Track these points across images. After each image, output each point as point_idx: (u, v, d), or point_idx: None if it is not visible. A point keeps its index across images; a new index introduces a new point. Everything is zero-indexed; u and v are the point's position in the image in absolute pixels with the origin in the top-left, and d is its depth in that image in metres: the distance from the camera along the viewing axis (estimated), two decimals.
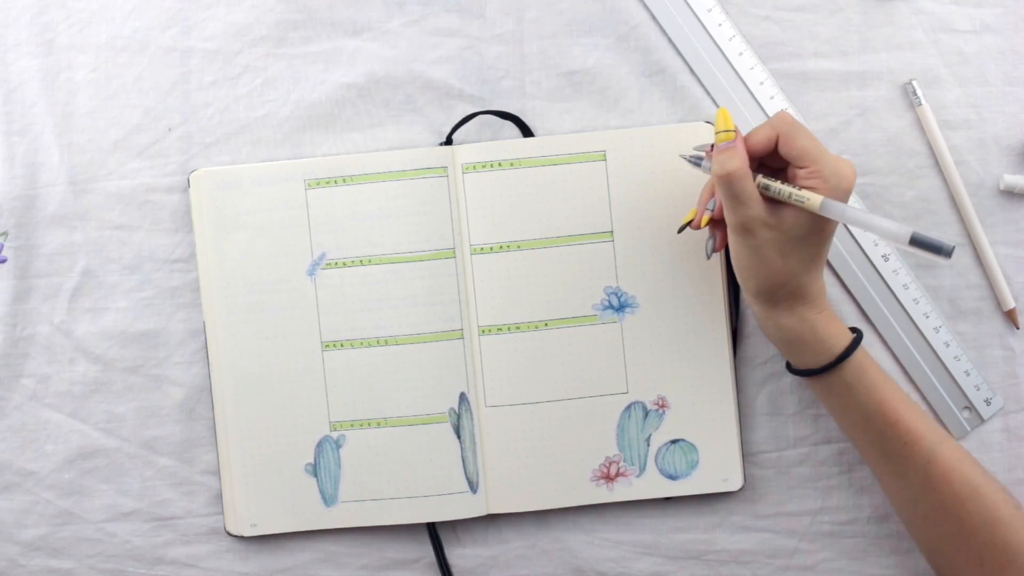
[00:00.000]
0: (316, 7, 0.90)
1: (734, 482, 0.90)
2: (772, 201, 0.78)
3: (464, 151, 0.89)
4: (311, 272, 0.89)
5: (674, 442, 0.90)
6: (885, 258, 0.89)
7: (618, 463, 0.90)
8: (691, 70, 0.90)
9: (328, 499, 0.90)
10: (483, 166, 0.88)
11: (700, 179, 0.87)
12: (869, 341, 0.90)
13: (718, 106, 0.89)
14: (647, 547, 0.91)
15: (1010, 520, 0.78)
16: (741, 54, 0.89)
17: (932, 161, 0.90)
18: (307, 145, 0.90)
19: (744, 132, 0.81)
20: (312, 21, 0.90)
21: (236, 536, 0.90)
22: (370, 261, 0.89)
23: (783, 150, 0.79)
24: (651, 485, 0.90)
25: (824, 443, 0.91)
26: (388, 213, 0.88)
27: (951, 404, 0.90)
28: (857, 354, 0.81)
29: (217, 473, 0.91)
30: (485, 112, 0.90)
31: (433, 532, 0.90)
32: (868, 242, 0.89)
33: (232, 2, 0.90)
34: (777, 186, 0.78)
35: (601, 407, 0.89)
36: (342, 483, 0.90)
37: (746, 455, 0.90)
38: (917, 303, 0.90)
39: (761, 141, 0.79)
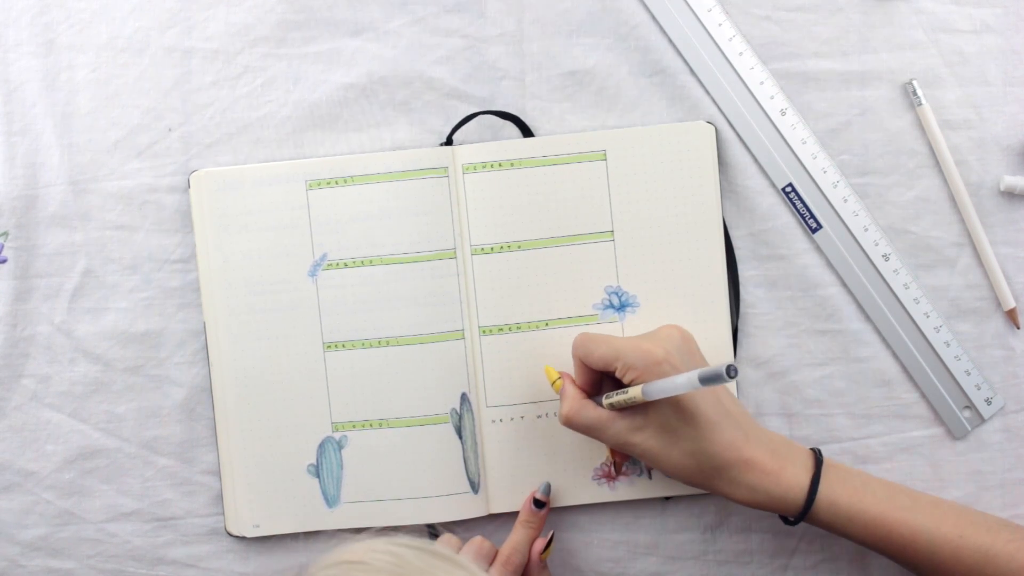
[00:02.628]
0: (316, 7, 0.90)
1: None
2: (632, 408, 0.80)
3: (464, 151, 0.89)
4: (312, 273, 0.89)
5: None
6: (886, 258, 0.89)
7: (619, 463, 0.90)
8: (691, 70, 0.90)
9: (330, 500, 0.90)
10: (484, 166, 0.88)
11: (697, 181, 0.88)
12: (870, 340, 0.90)
13: (718, 106, 0.89)
14: (647, 547, 0.91)
15: None
16: (741, 54, 0.89)
17: (932, 161, 0.90)
18: (308, 145, 0.90)
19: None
20: (312, 21, 0.90)
21: (237, 536, 0.90)
22: (371, 262, 0.88)
23: (592, 366, 0.83)
24: (653, 484, 0.90)
25: (825, 443, 0.91)
26: (389, 213, 0.88)
27: (952, 404, 0.90)
28: (822, 492, 0.80)
29: (217, 473, 0.91)
30: (485, 112, 0.90)
31: (434, 532, 0.90)
32: (868, 242, 0.89)
33: (232, 2, 0.90)
34: (613, 399, 0.81)
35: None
36: (344, 484, 0.89)
37: None
38: (918, 303, 0.90)
39: (579, 373, 0.84)
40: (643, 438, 0.80)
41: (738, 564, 0.91)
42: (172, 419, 0.91)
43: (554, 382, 0.86)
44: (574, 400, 0.83)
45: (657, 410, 0.79)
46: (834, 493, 0.80)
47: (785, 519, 0.83)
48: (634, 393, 0.78)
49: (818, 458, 0.82)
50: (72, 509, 0.91)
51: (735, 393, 0.90)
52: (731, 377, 0.70)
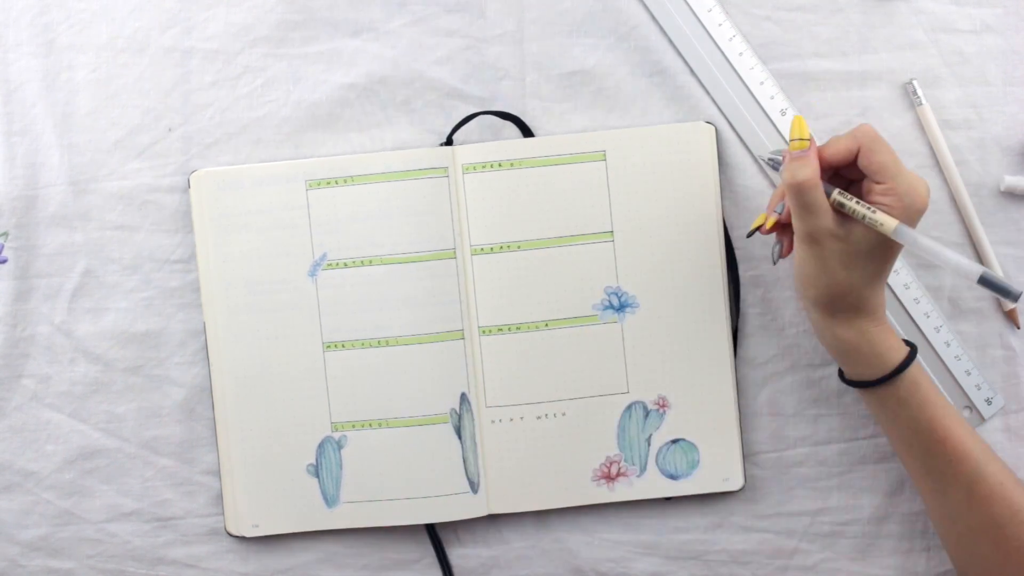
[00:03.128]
0: (316, 7, 0.90)
1: (735, 482, 0.90)
2: (842, 214, 0.78)
3: (464, 151, 0.89)
4: (312, 273, 0.89)
5: (675, 442, 0.90)
6: None
7: (619, 463, 0.90)
8: (691, 70, 0.90)
9: (330, 500, 0.90)
10: (483, 166, 0.88)
11: (697, 181, 0.88)
12: None
13: (718, 106, 0.89)
14: (647, 547, 0.91)
15: None
16: (741, 54, 0.89)
17: (932, 161, 0.90)
18: (307, 145, 0.90)
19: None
20: (312, 21, 0.90)
21: (236, 536, 0.90)
22: (371, 261, 0.88)
23: (862, 163, 0.78)
24: (652, 485, 0.90)
25: (824, 443, 0.91)
26: (389, 213, 0.88)
27: (952, 403, 0.90)
28: (912, 369, 0.81)
29: (217, 473, 0.91)
30: (485, 112, 0.90)
31: (434, 532, 0.90)
32: None
33: (232, 2, 0.90)
34: (852, 205, 0.78)
35: (602, 407, 0.89)
36: (343, 484, 0.89)
37: (746, 455, 0.90)
38: (918, 303, 0.90)
39: (840, 152, 0.79)
40: (833, 248, 0.78)
41: (738, 564, 0.91)
42: (172, 419, 0.91)
43: (797, 140, 0.79)
44: (815, 172, 0.78)
45: (867, 235, 0.77)
46: (920, 377, 0.81)
47: (844, 378, 0.84)
48: (886, 223, 0.76)
49: (912, 344, 0.82)
50: (72, 509, 0.91)
51: (735, 391, 0.90)
52: (1014, 301, 0.69)
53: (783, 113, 0.89)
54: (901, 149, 0.89)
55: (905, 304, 0.89)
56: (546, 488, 0.90)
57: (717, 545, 0.91)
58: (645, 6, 0.90)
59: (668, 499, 0.91)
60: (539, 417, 0.89)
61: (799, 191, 0.77)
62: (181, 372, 0.91)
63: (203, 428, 0.91)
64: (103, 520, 0.91)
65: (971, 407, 0.90)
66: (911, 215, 0.77)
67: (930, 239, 0.76)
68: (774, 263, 0.85)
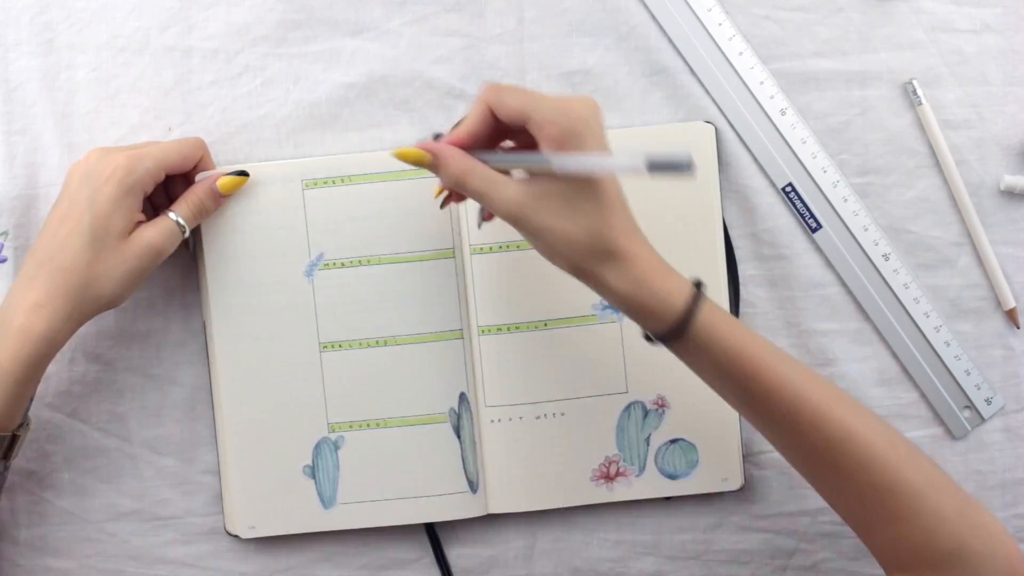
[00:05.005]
0: (316, 7, 0.90)
1: (734, 482, 0.90)
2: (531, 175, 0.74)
3: None
4: (309, 273, 0.88)
5: (674, 442, 0.90)
6: (886, 257, 0.89)
7: (618, 463, 0.90)
8: (691, 70, 0.90)
9: (326, 501, 0.90)
10: None
11: (697, 181, 0.88)
12: (870, 340, 0.90)
13: (718, 106, 0.89)
14: (647, 547, 0.91)
15: (885, 458, 0.75)
16: (741, 54, 0.89)
17: (932, 161, 0.90)
18: (307, 145, 0.90)
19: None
20: (312, 21, 0.90)
21: (236, 536, 0.90)
22: (369, 261, 0.88)
23: (502, 117, 0.74)
24: (651, 485, 0.90)
25: None
26: (386, 213, 0.88)
27: (952, 403, 0.90)
28: (703, 308, 0.74)
29: (217, 473, 0.91)
30: None
31: (433, 532, 0.91)
32: (868, 242, 0.89)
33: (232, 2, 0.90)
34: (505, 162, 0.74)
35: (601, 407, 0.89)
36: (341, 485, 0.89)
37: (746, 455, 0.90)
38: (917, 303, 0.90)
39: (476, 122, 0.75)
40: (540, 208, 0.73)
41: (738, 564, 0.91)
42: (172, 419, 0.91)
43: (418, 161, 0.76)
44: (462, 158, 0.74)
45: (558, 179, 0.72)
46: (713, 315, 0.75)
47: (649, 338, 0.77)
48: (541, 162, 0.71)
49: (698, 282, 0.76)
50: (71, 509, 0.91)
51: None
52: (689, 170, 0.63)
53: (783, 113, 0.89)
54: (901, 149, 0.89)
55: (905, 304, 0.89)
56: (545, 488, 0.90)
57: (716, 545, 0.91)
58: (645, 6, 0.90)
59: (667, 499, 0.91)
60: (538, 417, 0.89)
61: (462, 186, 0.75)
62: (181, 372, 0.91)
63: (203, 428, 0.91)
64: (103, 520, 0.91)
65: (971, 407, 0.90)
66: (576, 135, 0.71)
67: (584, 156, 0.71)
68: (479, 227, 0.82)
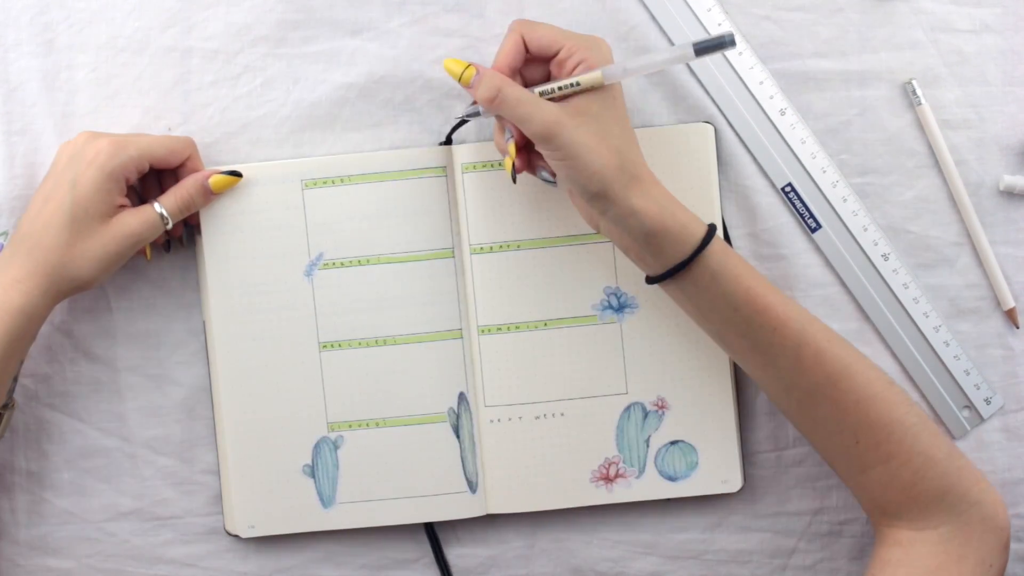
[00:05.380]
0: (316, 7, 0.90)
1: (733, 483, 0.90)
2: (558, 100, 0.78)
3: (463, 151, 0.89)
4: (308, 273, 0.88)
5: (673, 443, 0.90)
6: (885, 257, 0.89)
7: (617, 464, 0.90)
8: (691, 70, 0.90)
9: (326, 500, 0.90)
10: (482, 166, 0.88)
11: (696, 181, 0.88)
12: (869, 339, 0.90)
13: (718, 106, 0.89)
14: (646, 547, 0.91)
15: (883, 395, 0.79)
16: (741, 54, 0.89)
17: (932, 161, 0.90)
18: (307, 145, 0.90)
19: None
20: (312, 21, 0.90)
21: (236, 536, 0.90)
22: (368, 261, 0.88)
23: (532, 47, 0.79)
24: (650, 486, 0.90)
25: None
26: (386, 213, 0.88)
27: (951, 403, 0.90)
28: (716, 242, 0.79)
29: (217, 473, 0.91)
30: None
31: (432, 532, 0.91)
32: (868, 242, 0.89)
33: (232, 2, 0.90)
34: (550, 87, 0.78)
35: (600, 408, 0.89)
36: (340, 484, 0.89)
37: (746, 455, 0.90)
38: (917, 302, 0.90)
39: (509, 52, 0.79)
40: (576, 125, 0.76)
41: (737, 564, 0.91)
42: (172, 418, 0.91)
43: (464, 72, 0.79)
44: (500, 79, 0.78)
45: (590, 101, 0.77)
46: (726, 250, 0.80)
47: (653, 278, 0.81)
48: (589, 78, 0.76)
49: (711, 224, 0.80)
50: (71, 508, 0.91)
51: (735, 392, 0.89)
52: (732, 45, 0.67)
53: (782, 113, 0.89)
54: (901, 149, 0.89)
55: (904, 304, 0.89)
56: (544, 489, 0.89)
57: (716, 545, 0.91)
58: (645, 6, 0.90)
59: (667, 499, 0.91)
60: (538, 417, 0.89)
61: (501, 102, 0.77)
62: (181, 371, 0.91)
63: (203, 427, 0.91)
64: (102, 519, 0.91)
65: (970, 406, 0.90)
66: (607, 57, 0.78)
67: (641, 56, 0.76)
68: (514, 182, 0.83)
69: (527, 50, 0.79)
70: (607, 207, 0.78)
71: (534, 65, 0.81)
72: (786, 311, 0.79)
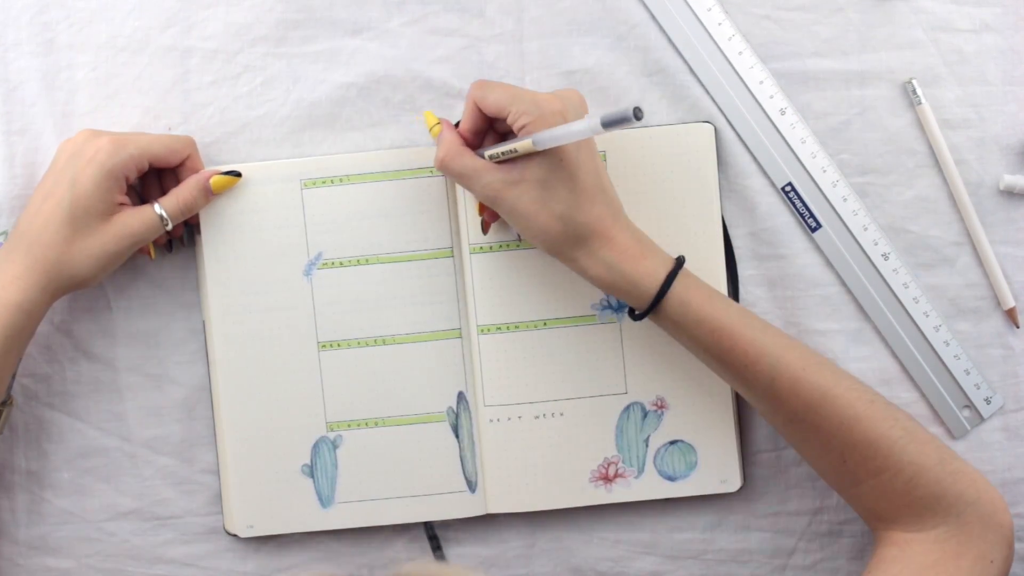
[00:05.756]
0: (316, 7, 0.90)
1: (733, 483, 0.90)
2: (509, 162, 0.79)
3: None
4: (307, 272, 0.88)
5: (673, 443, 0.90)
6: (885, 257, 0.89)
7: (617, 464, 0.90)
8: (691, 70, 0.90)
9: (325, 500, 0.90)
10: None
11: (696, 181, 0.88)
12: (869, 340, 0.90)
13: (718, 106, 0.89)
14: (646, 546, 0.91)
15: (865, 414, 0.79)
16: (741, 53, 0.89)
17: (932, 160, 0.90)
18: (307, 144, 0.90)
19: None
20: (312, 21, 0.90)
21: (235, 535, 0.90)
22: (367, 260, 0.88)
23: (487, 112, 0.80)
24: (650, 486, 0.90)
25: None
26: (385, 213, 0.88)
27: (951, 403, 0.90)
28: (677, 287, 0.80)
29: (217, 473, 0.91)
30: None
31: (431, 532, 0.90)
32: (868, 241, 0.89)
33: (232, 2, 0.90)
34: (496, 150, 0.79)
35: (600, 407, 0.89)
36: (339, 484, 0.89)
37: (745, 455, 0.90)
38: (917, 302, 0.89)
39: (467, 116, 0.82)
40: (516, 193, 0.78)
41: (737, 564, 0.91)
42: (171, 418, 0.91)
43: (433, 127, 0.84)
44: (452, 144, 0.81)
45: (536, 166, 0.78)
46: (688, 293, 0.80)
47: (632, 313, 0.83)
48: (523, 144, 0.76)
49: (679, 260, 0.81)
50: (71, 508, 0.91)
51: (734, 392, 0.89)
52: (637, 119, 0.68)
53: (782, 112, 0.89)
54: (901, 148, 0.89)
55: (904, 304, 0.89)
56: (544, 489, 0.89)
57: (716, 544, 0.91)
58: (645, 6, 0.90)
59: (667, 499, 0.91)
60: (537, 417, 0.89)
61: (444, 168, 0.81)
62: (181, 371, 0.91)
63: (202, 427, 0.91)
64: (102, 519, 0.91)
65: (970, 406, 0.90)
66: (551, 119, 0.77)
67: (558, 127, 0.75)
68: (484, 233, 0.87)
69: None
70: (561, 261, 0.82)
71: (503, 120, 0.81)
72: (756, 347, 0.80)
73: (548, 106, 0.77)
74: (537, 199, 0.78)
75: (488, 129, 0.83)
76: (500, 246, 0.88)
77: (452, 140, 0.81)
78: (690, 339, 0.81)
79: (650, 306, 0.80)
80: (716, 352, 0.80)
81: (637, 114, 0.68)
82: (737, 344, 0.80)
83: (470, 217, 0.88)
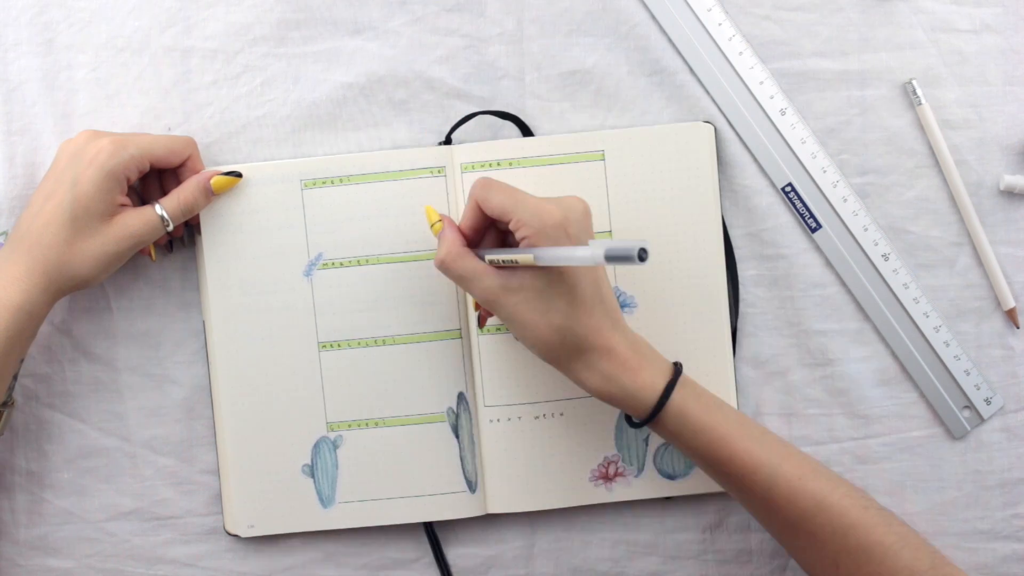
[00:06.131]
0: (316, 7, 0.90)
1: None
2: (508, 268, 0.78)
3: (462, 151, 0.89)
4: (307, 272, 0.89)
5: None
6: (885, 257, 0.89)
7: (616, 463, 0.90)
8: (691, 70, 0.90)
9: (325, 500, 0.90)
10: (482, 166, 0.88)
11: (696, 181, 0.88)
12: (869, 340, 0.90)
13: (718, 105, 0.89)
14: (646, 547, 0.91)
15: (859, 522, 0.78)
16: (741, 53, 0.89)
17: (932, 161, 0.90)
18: (307, 144, 0.90)
19: None
20: (312, 20, 0.90)
21: (235, 536, 0.90)
22: (367, 261, 0.89)
23: (489, 214, 0.80)
24: (650, 485, 0.90)
25: (824, 443, 0.91)
26: (386, 213, 0.88)
27: (951, 403, 0.90)
28: (675, 399, 0.79)
29: (217, 473, 0.91)
30: (485, 112, 0.90)
31: (431, 532, 0.91)
32: (868, 242, 0.89)
33: (232, 2, 0.90)
34: (496, 257, 0.78)
35: (600, 407, 0.89)
36: (339, 484, 0.90)
37: None
38: (917, 303, 0.90)
39: (468, 215, 0.81)
40: (515, 301, 0.77)
41: (737, 564, 0.91)
42: (171, 418, 0.91)
43: (434, 224, 0.83)
44: (453, 245, 0.80)
45: (535, 276, 0.77)
46: (686, 404, 0.79)
47: (630, 420, 0.82)
48: (523, 257, 0.76)
49: (677, 368, 0.81)
50: (71, 508, 0.91)
51: (735, 391, 0.89)
52: (642, 260, 0.68)
53: (783, 112, 0.89)
54: (901, 149, 0.89)
55: (905, 304, 0.89)
56: (544, 488, 0.89)
57: (716, 545, 0.91)
58: (645, 6, 0.90)
59: (667, 499, 0.91)
60: (537, 417, 0.89)
61: (445, 268, 0.80)
62: (181, 371, 0.91)
63: (202, 427, 0.91)
64: (102, 519, 0.91)
65: (970, 407, 0.90)
66: (552, 232, 0.76)
67: (560, 248, 0.75)
68: (480, 328, 0.88)
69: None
70: (557, 370, 0.81)
71: None
72: (754, 456, 0.79)
73: (550, 218, 0.76)
74: (535, 309, 0.77)
75: (489, 226, 0.82)
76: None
77: (454, 240, 0.80)
78: (688, 447, 0.80)
79: (650, 416, 0.79)
80: (714, 461, 0.80)
81: (642, 255, 0.67)
82: (735, 454, 0.79)
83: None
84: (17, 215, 0.89)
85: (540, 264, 0.75)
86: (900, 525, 0.79)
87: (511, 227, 0.78)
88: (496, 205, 0.78)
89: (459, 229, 0.82)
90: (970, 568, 0.91)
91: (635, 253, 0.67)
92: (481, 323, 0.88)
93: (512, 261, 0.77)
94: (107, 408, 0.91)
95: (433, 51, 0.90)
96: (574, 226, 0.77)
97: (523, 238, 0.77)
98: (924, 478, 0.91)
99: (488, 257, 0.79)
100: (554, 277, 0.77)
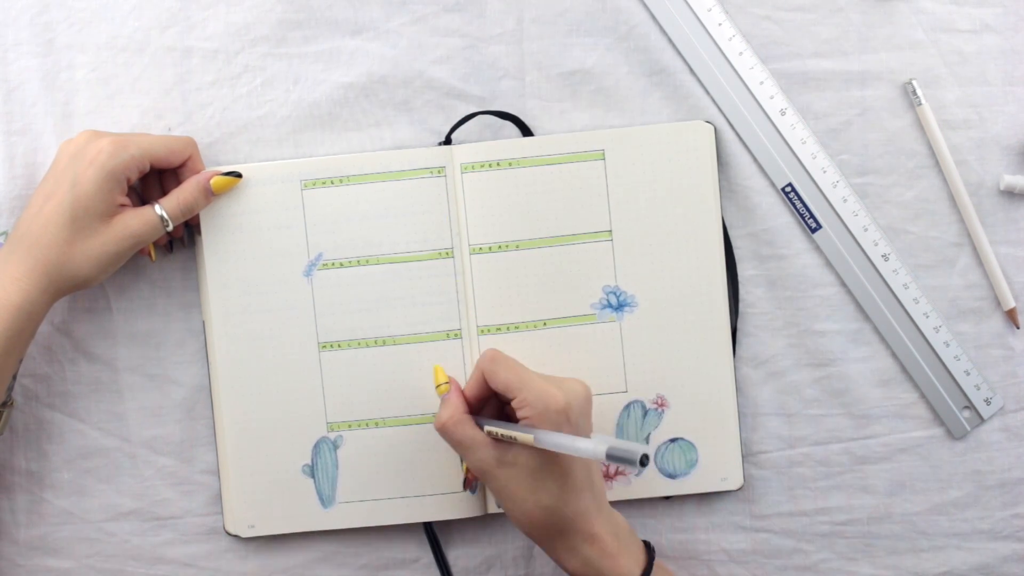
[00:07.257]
0: (316, 7, 0.90)
1: (733, 481, 0.90)
2: (507, 443, 0.79)
3: (463, 151, 0.89)
4: (307, 273, 0.88)
5: (673, 441, 0.90)
6: (885, 257, 0.89)
7: None
8: (691, 70, 0.90)
9: (325, 500, 0.90)
10: (482, 166, 0.88)
11: (696, 181, 0.88)
12: (869, 340, 0.90)
13: (718, 105, 0.89)
14: None
15: None
16: (741, 54, 0.89)
17: (932, 161, 0.90)
18: (307, 145, 0.90)
19: None
20: (312, 21, 0.90)
21: (235, 536, 0.90)
22: (368, 261, 0.88)
23: (492, 387, 0.81)
24: (650, 484, 0.90)
25: (823, 443, 0.91)
26: (386, 213, 0.88)
27: (951, 404, 0.90)
28: None
29: (216, 473, 0.91)
30: (484, 112, 0.90)
31: (432, 532, 0.90)
32: (868, 242, 0.89)
33: (232, 2, 0.90)
34: (497, 431, 0.79)
35: (600, 406, 0.89)
36: (340, 484, 0.89)
37: (746, 455, 0.90)
38: (917, 303, 0.90)
39: (473, 385, 0.82)
40: (507, 475, 0.79)
41: (737, 564, 0.91)
42: (171, 418, 0.91)
43: (440, 385, 0.84)
44: (455, 411, 0.81)
45: (531, 455, 0.78)
46: None
47: None
48: (523, 436, 0.77)
49: (650, 555, 0.82)
50: (71, 508, 0.91)
51: (735, 390, 0.89)
52: (642, 466, 0.69)
53: (783, 113, 0.89)
54: (901, 149, 0.89)
55: (905, 304, 0.89)
56: None
57: (716, 545, 0.91)
58: (645, 6, 0.90)
59: (667, 498, 0.91)
60: None
61: (444, 432, 0.81)
62: (181, 371, 0.91)
63: (202, 427, 0.91)
64: (102, 519, 0.91)
65: (970, 407, 0.90)
66: (553, 417, 0.77)
67: (563, 435, 0.76)
68: (464, 488, 0.89)
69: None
70: (538, 546, 0.82)
71: None
72: None
73: (554, 403, 0.77)
74: (526, 486, 0.78)
75: (491, 396, 0.83)
76: (500, 246, 0.88)
77: (457, 406, 0.81)
78: None
79: None
80: None
81: (643, 461, 0.68)
82: None
83: (470, 217, 0.88)
84: (17, 215, 0.89)
85: (539, 446, 0.76)
86: None
87: (514, 405, 0.79)
88: (501, 381, 0.80)
89: (463, 394, 0.83)
90: (970, 568, 0.91)
91: (637, 458, 0.68)
92: (466, 484, 0.89)
93: (511, 437, 0.78)
94: (107, 408, 0.91)
95: (433, 51, 0.90)
96: (575, 412, 0.78)
97: (524, 417, 0.78)
98: (924, 478, 0.91)
99: (487, 428, 0.80)
100: (549, 458, 0.78)
